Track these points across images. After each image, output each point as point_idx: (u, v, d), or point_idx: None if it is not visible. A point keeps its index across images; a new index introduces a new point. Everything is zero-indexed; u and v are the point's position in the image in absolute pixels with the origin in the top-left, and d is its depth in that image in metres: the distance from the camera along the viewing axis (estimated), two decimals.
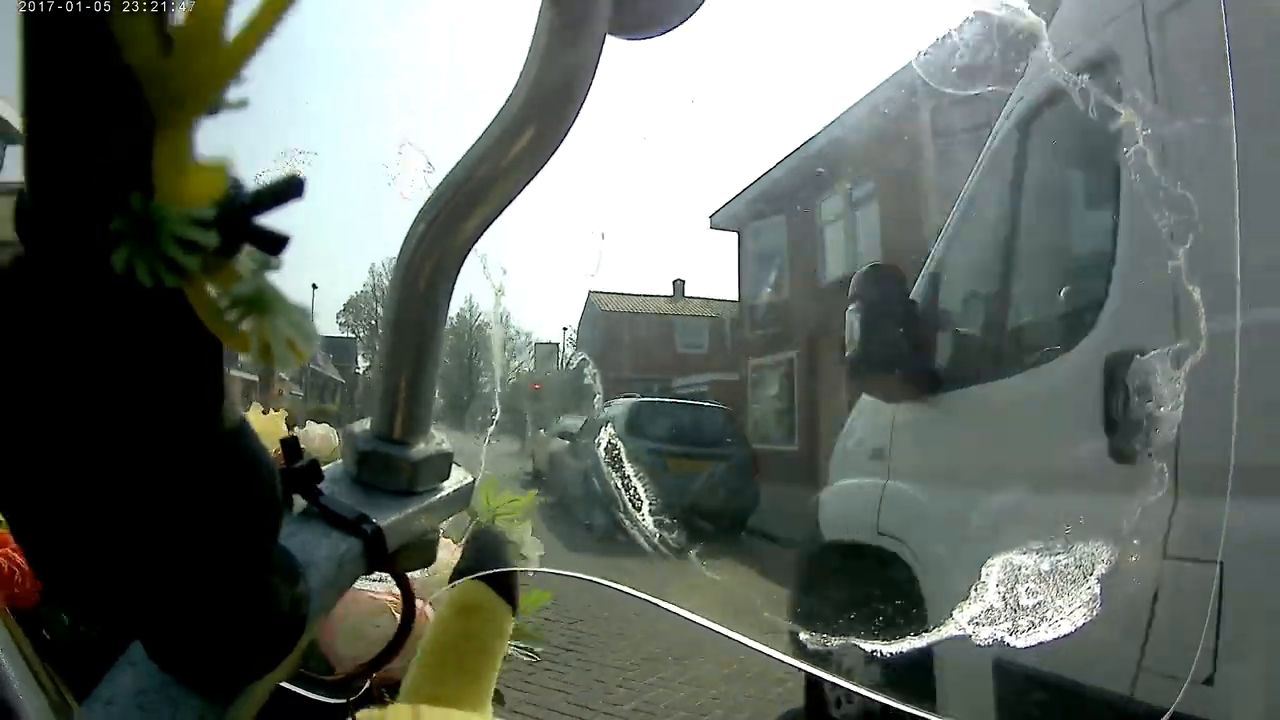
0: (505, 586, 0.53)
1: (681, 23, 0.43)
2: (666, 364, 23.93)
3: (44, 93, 0.19)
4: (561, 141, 0.39)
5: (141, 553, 0.24)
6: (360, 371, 33.80)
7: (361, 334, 35.24)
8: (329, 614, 0.38)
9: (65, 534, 0.24)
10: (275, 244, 0.20)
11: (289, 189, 0.21)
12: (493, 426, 0.80)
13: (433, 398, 0.42)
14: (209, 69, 0.18)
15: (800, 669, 0.64)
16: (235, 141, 0.20)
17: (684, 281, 29.49)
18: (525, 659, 0.88)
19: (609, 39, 0.39)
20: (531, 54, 0.38)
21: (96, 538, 0.24)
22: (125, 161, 0.19)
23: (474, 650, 0.52)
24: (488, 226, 0.40)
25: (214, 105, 0.19)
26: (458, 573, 0.54)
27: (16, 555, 0.66)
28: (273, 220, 0.20)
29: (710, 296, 27.58)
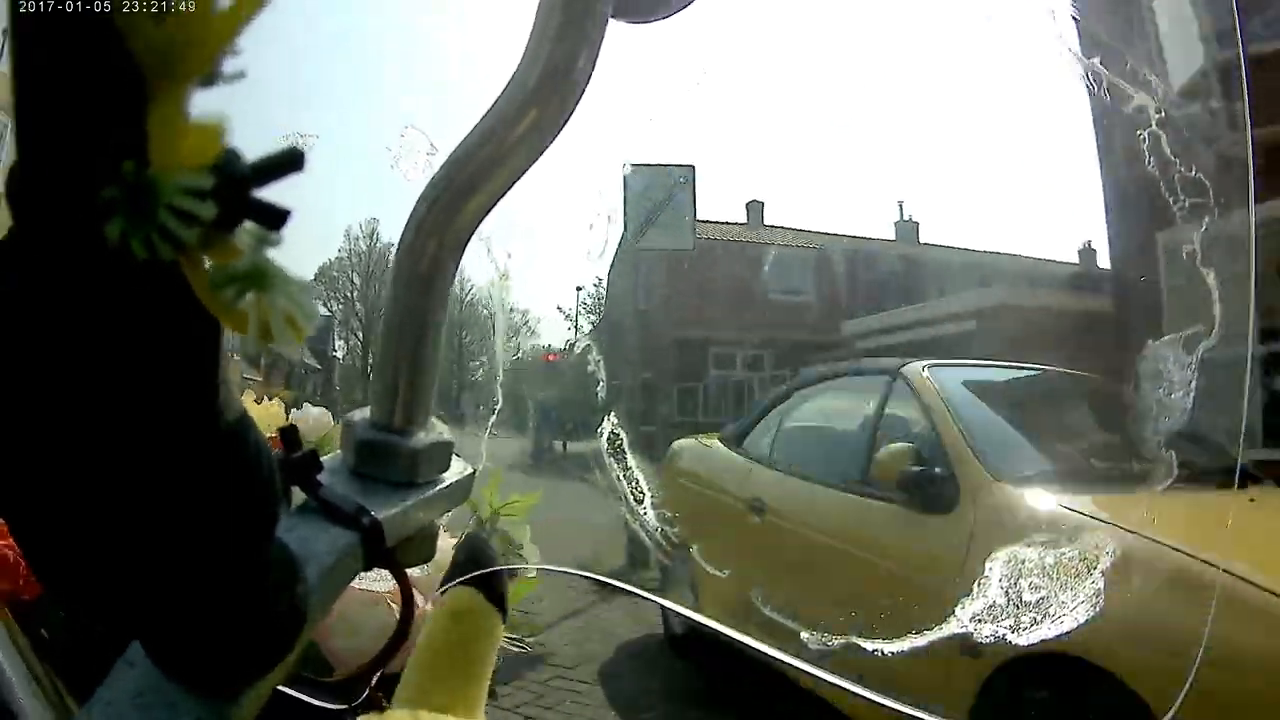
0: (495, 592, 0.53)
1: (684, 7, 0.43)
2: (753, 319, 15.79)
3: (32, 57, 0.18)
4: (564, 125, 0.39)
5: (136, 546, 0.24)
6: (337, 355, 28.23)
7: (336, 309, 28.75)
8: (327, 611, 0.37)
9: (58, 526, 0.23)
10: (275, 218, 0.20)
11: (289, 162, 0.20)
12: (494, 417, 0.79)
13: (433, 385, 0.42)
14: (201, 36, 0.18)
15: (802, 670, 0.63)
16: (235, 123, 0.19)
17: (762, 204, 19.61)
18: (516, 650, 0.88)
19: (612, 23, 0.39)
20: (534, 37, 0.38)
21: (90, 530, 0.23)
22: (118, 129, 0.18)
23: (466, 658, 0.52)
24: (491, 209, 0.39)
25: (209, 76, 0.18)
26: (447, 578, 0.54)
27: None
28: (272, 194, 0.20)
29: (799, 227, 18.51)
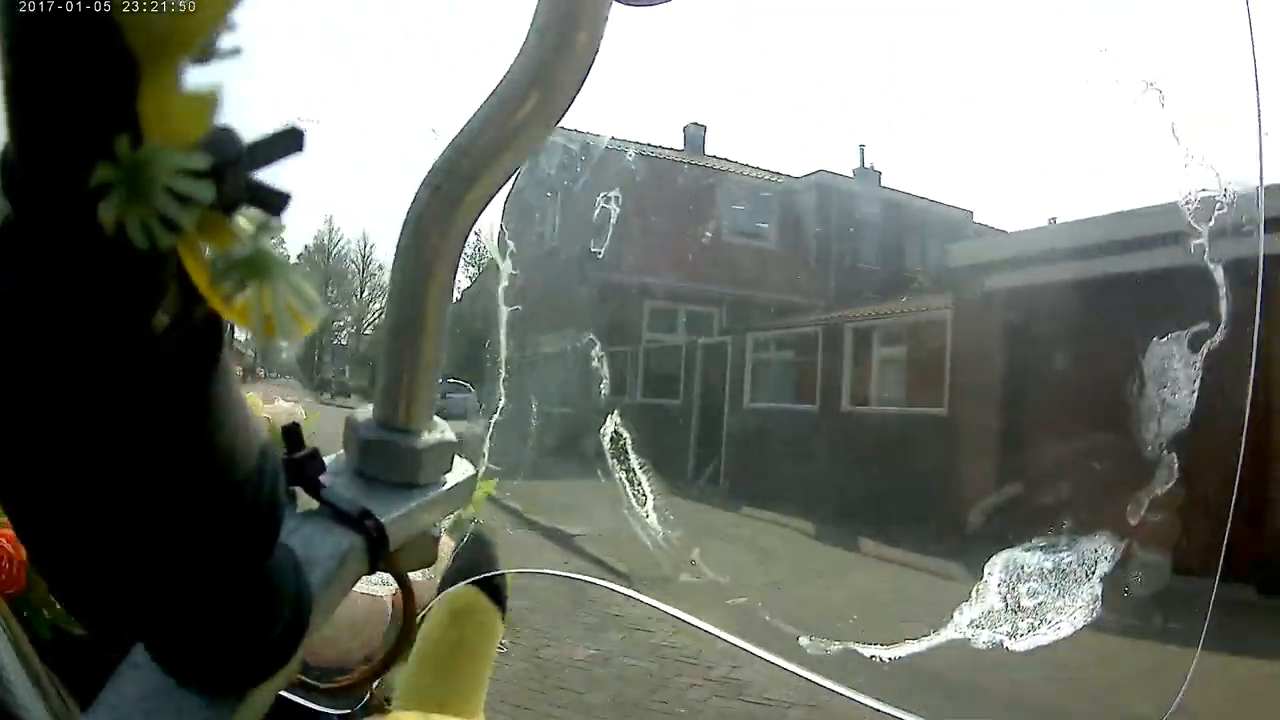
0: (495, 590, 0.54)
1: None
2: (713, 265, 10.05)
3: (19, 35, 0.17)
4: (567, 109, 0.38)
5: (138, 547, 0.23)
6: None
7: None
8: (330, 615, 0.37)
9: (62, 529, 0.23)
10: (276, 202, 0.19)
11: (289, 142, 0.19)
12: (497, 413, 0.78)
13: (437, 381, 0.41)
14: (195, 11, 0.17)
15: (798, 675, 0.63)
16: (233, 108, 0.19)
17: (704, 129, 11.33)
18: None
19: (615, 6, 0.39)
20: (538, 21, 0.38)
21: (93, 531, 0.23)
22: (109, 106, 0.17)
23: (468, 656, 0.53)
24: (493, 196, 0.39)
25: (203, 52, 0.18)
26: (449, 578, 0.54)
27: (2, 540, 0.66)
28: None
29: (749, 162, 10.98)
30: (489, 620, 0.54)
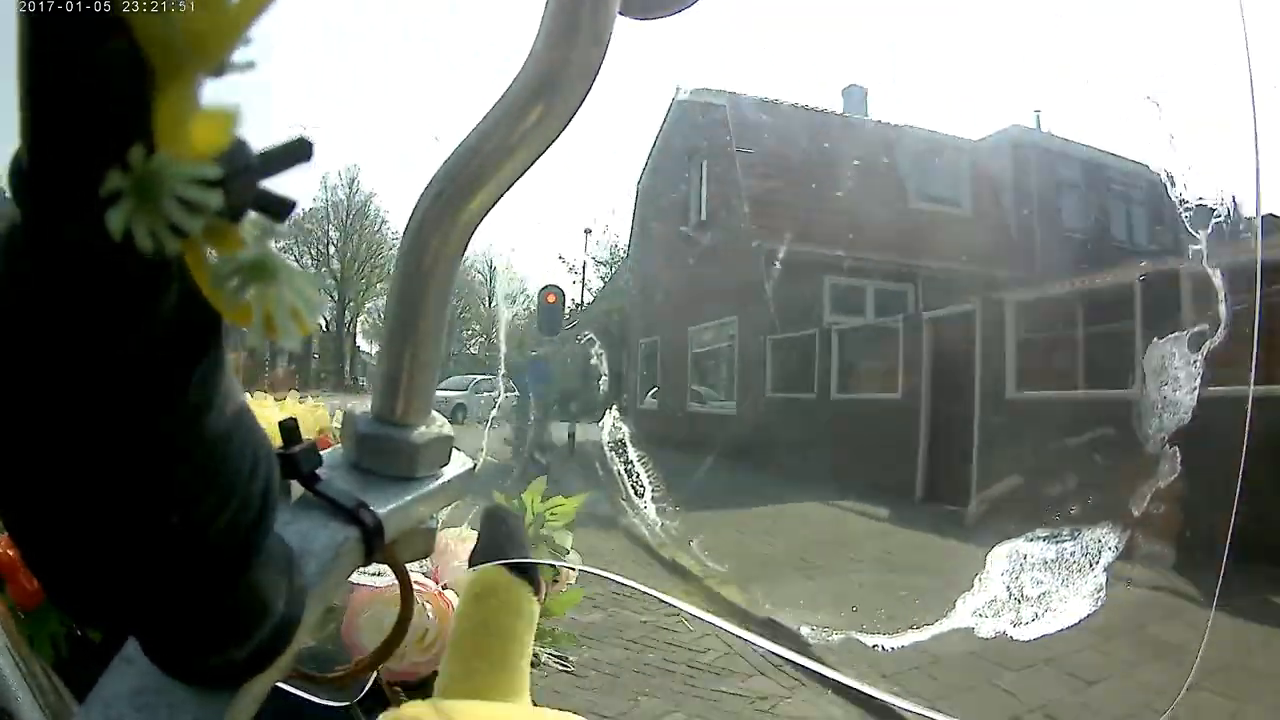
0: (522, 567, 0.52)
1: (692, 3, 0.43)
2: (902, 235, 9.86)
3: (35, 46, 0.18)
4: (570, 120, 0.38)
5: (129, 541, 0.24)
6: (323, 327, 24.35)
7: (309, 263, 24.21)
8: (334, 608, 0.37)
9: (53, 522, 0.23)
10: (281, 209, 0.20)
11: (298, 152, 0.20)
12: (495, 410, 0.79)
13: (435, 379, 0.42)
14: (211, 28, 0.18)
15: (802, 665, 0.63)
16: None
17: (865, 90, 13.29)
18: (560, 668, 0.85)
19: (621, 18, 0.39)
20: (543, 31, 0.38)
21: (84, 526, 0.23)
22: (124, 117, 0.18)
23: (495, 636, 0.51)
24: (495, 203, 0.39)
25: (219, 66, 0.18)
26: (473, 558, 0.54)
27: None
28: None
29: (921, 124, 12.78)
30: (515, 598, 0.51)
